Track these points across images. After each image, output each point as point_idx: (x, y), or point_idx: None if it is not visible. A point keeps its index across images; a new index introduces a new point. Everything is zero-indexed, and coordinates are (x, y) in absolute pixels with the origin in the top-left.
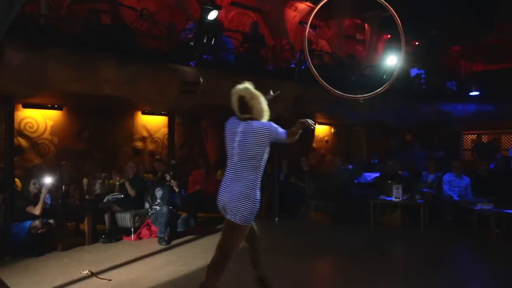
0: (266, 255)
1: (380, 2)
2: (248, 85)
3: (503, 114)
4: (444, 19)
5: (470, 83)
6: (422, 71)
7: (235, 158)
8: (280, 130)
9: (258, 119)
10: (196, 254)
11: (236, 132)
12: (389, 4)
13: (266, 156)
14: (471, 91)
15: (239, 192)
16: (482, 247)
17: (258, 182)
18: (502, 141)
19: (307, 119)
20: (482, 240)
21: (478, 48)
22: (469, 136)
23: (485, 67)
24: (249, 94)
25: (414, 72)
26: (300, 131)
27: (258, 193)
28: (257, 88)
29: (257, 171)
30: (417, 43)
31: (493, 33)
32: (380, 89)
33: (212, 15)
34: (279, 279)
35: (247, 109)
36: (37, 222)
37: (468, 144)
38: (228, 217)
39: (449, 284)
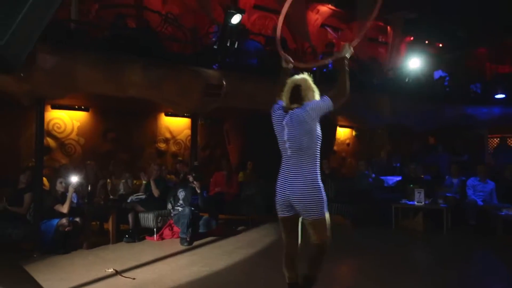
0: None
1: None
2: (306, 76)
3: None
4: (469, 20)
5: (496, 85)
6: (446, 74)
7: (289, 151)
8: (321, 101)
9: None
10: (218, 255)
11: (282, 125)
12: (416, 6)
13: (319, 140)
14: (497, 94)
15: (305, 189)
16: (507, 253)
17: (318, 170)
18: None
19: (342, 52)
20: (507, 246)
21: (505, 50)
22: (495, 139)
23: None
24: (306, 84)
25: (437, 74)
26: (347, 71)
27: (320, 180)
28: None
29: (315, 159)
30: (441, 45)
31: None
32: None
33: (236, 19)
34: None
35: (299, 99)
36: (64, 220)
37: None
38: (304, 216)
39: None
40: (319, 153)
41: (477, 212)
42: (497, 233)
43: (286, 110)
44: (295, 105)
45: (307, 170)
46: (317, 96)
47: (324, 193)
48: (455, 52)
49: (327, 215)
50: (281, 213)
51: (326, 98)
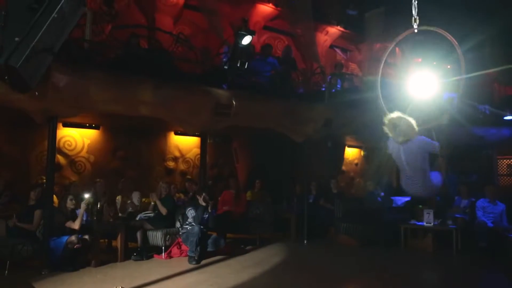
0: (294, 278)
1: (435, 30)
2: (399, 114)
3: None
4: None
5: (505, 106)
6: (455, 95)
7: (408, 170)
8: (433, 143)
9: (411, 139)
10: (226, 274)
11: (399, 153)
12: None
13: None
14: (506, 115)
15: (428, 187)
16: None
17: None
18: None
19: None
20: None
21: None
22: (504, 161)
23: None
24: (403, 123)
25: (446, 95)
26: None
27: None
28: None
29: (427, 168)
30: (449, 66)
31: None
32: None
33: (246, 40)
34: None
35: (401, 134)
36: (73, 238)
37: (503, 169)
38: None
39: None
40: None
41: (487, 234)
42: (508, 255)
43: (398, 143)
44: (401, 139)
45: (426, 177)
46: (413, 124)
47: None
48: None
49: None
50: None
51: (437, 144)
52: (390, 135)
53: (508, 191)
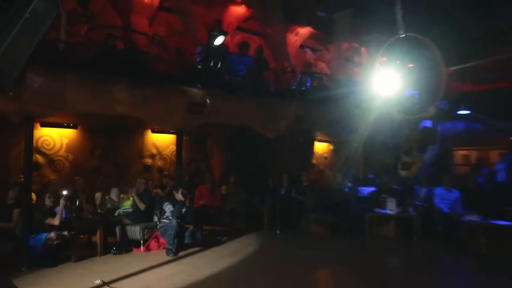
0: (268, 266)
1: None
2: None
3: (491, 131)
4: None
5: (460, 102)
6: (416, 92)
7: None
8: None
9: None
10: (202, 265)
11: None
12: (389, 30)
13: None
14: (461, 110)
15: None
16: (471, 256)
17: None
18: (490, 156)
19: None
20: (471, 249)
21: (468, 70)
22: (459, 152)
23: (474, 87)
24: None
25: (407, 93)
26: None
27: None
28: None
29: None
30: (411, 65)
31: (481, 57)
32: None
33: (219, 40)
34: None
35: None
36: (52, 234)
37: (458, 160)
38: None
39: None
40: None
41: (444, 219)
42: (462, 237)
43: None
44: None
45: None
46: None
47: None
48: (423, 72)
49: None
50: None
51: None
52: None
53: (463, 179)
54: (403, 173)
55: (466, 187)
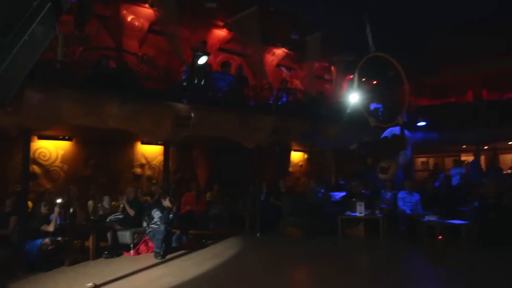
0: (249, 266)
1: (383, 55)
2: None
3: (445, 140)
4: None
5: (418, 115)
6: (380, 106)
7: None
8: None
9: None
10: (188, 267)
11: None
12: (354, 50)
13: None
14: (419, 122)
15: None
16: (430, 251)
17: None
18: (445, 163)
19: None
20: (430, 246)
21: (424, 87)
22: (419, 159)
23: (430, 102)
24: None
25: (373, 106)
26: None
27: None
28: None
29: None
30: (375, 82)
31: (435, 75)
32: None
33: (202, 60)
34: None
35: None
36: (47, 240)
37: (418, 166)
38: None
39: (404, 283)
40: None
41: (406, 220)
42: (422, 236)
43: None
44: None
45: None
46: None
47: None
48: (386, 88)
49: None
50: None
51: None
52: None
53: (422, 184)
54: (382, 176)
55: (425, 191)
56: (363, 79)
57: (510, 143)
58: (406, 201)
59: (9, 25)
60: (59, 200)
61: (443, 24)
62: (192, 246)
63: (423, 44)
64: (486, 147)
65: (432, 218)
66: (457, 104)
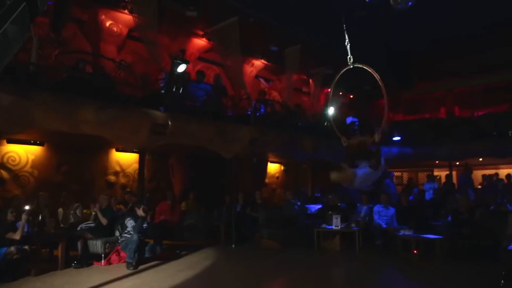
0: (223, 278)
1: (364, 67)
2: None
3: (420, 155)
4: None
5: (393, 130)
6: (356, 119)
7: None
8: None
9: None
10: (162, 278)
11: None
12: (331, 64)
13: None
14: (394, 137)
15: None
16: (405, 265)
17: None
18: (419, 177)
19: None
20: (405, 260)
21: (399, 102)
22: (394, 173)
23: (405, 117)
24: None
25: (349, 120)
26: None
27: None
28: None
29: None
30: (351, 96)
31: (410, 91)
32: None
33: (181, 68)
34: None
35: None
36: (12, 249)
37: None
38: None
39: None
40: None
41: (382, 233)
42: (397, 250)
43: None
44: None
45: None
46: None
47: None
48: (362, 102)
49: None
50: None
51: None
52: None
53: (397, 197)
54: (333, 175)
55: (400, 205)
56: (340, 93)
57: (480, 159)
58: (382, 215)
59: None
60: (27, 207)
61: (420, 42)
62: (166, 256)
63: (401, 60)
64: (458, 163)
65: (407, 232)
66: (430, 120)
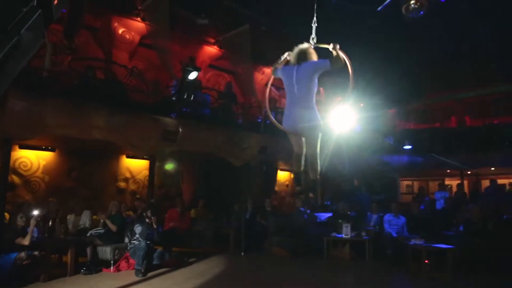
0: (233, 286)
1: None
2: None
3: (430, 164)
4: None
5: (404, 138)
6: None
7: (296, 89)
8: (325, 60)
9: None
10: (169, 286)
11: (291, 73)
12: (345, 75)
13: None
14: (405, 145)
15: (312, 109)
16: (415, 276)
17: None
18: (429, 186)
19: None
20: (416, 270)
21: (410, 111)
22: (404, 182)
23: (416, 126)
24: (310, 50)
25: (359, 129)
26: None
27: None
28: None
29: (315, 89)
30: (362, 105)
31: (421, 101)
32: None
33: (193, 75)
34: None
35: (301, 58)
36: (22, 254)
37: (403, 189)
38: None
39: None
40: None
41: (392, 243)
42: (408, 259)
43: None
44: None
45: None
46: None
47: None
48: (373, 112)
49: None
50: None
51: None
52: (289, 58)
53: (408, 206)
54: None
55: (411, 214)
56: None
57: (492, 169)
58: (392, 223)
59: None
60: (35, 212)
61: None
62: (174, 264)
63: (411, 70)
64: (469, 172)
65: (418, 241)
66: (441, 129)
